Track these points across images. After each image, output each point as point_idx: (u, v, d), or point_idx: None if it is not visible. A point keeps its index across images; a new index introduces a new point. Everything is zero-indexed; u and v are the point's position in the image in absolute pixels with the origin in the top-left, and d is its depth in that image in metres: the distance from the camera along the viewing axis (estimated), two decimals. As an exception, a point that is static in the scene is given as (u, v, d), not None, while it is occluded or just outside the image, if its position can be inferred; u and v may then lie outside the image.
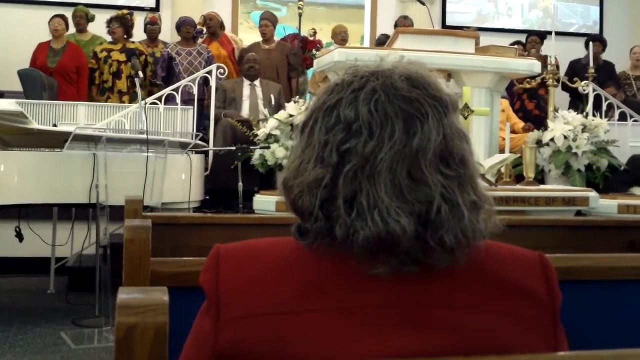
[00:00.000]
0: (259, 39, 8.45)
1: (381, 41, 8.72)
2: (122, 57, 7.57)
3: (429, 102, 1.02)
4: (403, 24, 8.27)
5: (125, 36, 7.79)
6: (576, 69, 8.10)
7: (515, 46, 7.36)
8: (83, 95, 7.67)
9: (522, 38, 9.23)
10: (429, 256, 0.98)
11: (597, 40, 8.64)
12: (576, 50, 8.96)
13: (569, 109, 6.56)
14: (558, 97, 8.05)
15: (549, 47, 6.43)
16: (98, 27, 8.16)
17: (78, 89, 7.70)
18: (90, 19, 8.15)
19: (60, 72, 7.61)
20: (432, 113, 1.01)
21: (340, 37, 8.39)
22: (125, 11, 8.03)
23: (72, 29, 8.09)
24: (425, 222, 0.97)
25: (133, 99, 7.48)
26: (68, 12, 8.05)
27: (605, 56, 8.94)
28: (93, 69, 7.71)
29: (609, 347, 1.00)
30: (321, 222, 1.00)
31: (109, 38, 7.94)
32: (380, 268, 0.98)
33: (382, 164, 0.98)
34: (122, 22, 7.73)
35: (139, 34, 8.21)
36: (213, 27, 8.25)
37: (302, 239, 1.04)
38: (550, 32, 6.58)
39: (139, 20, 8.19)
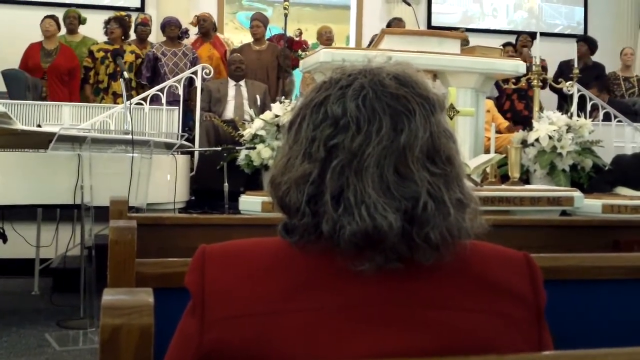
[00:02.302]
0: (245, 39, 8.45)
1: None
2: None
3: (416, 100, 1.02)
4: (398, 25, 8.28)
5: (122, 37, 7.76)
6: (565, 70, 8.13)
7: (503, 47, 7.39)
8: (75, 97, 7.63)
9: (508, 39, 9.26)
10: (414, 253, 0.99)
11: (583, 40, 8.67)
12: (561, 51, 9.00)
13: (558, 109, 6.58)
14: (547, 98, 8.11)
15: (534, 48, 6.46)
16: (88, 28, 8.11)
17: (70, 90, 7.66)
18: (83, 21, 8.12)
19: (54, 72, 7.58)
20: (420, 111, 1.02)
21: (325, 37, 8.39)
22: (123, 13, 8.00)
23: (62, 30, 8.05)
24: (411, 219, 0.98)
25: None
26: (56, 13, 7.99)
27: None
28: (88, 67, 7.67)
29: (594, 347, 1.00)
30: (308, 218, 1.01)
31: (100, 39, 7.90)
32: (366, 264, 0.98)
33: (369, 159, 0.98)
34: (121, 23, 7.71)
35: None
36: (206, 27, 8.23)
37: (289, 237, 1.04)
38: (535, 33, 6.61)
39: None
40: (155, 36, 8.68)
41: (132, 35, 8.08)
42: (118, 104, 7.28)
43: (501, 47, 7.04)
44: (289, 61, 7.71)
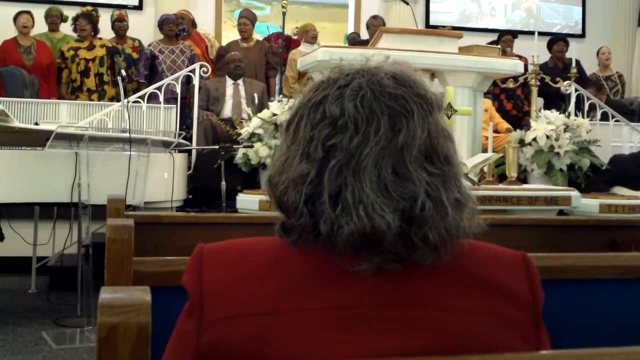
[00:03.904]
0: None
1: (354, 39, 8.74)
2: (90, 55, 7.54)
3: (414, 100, 1.02)
4: (373, 23, 8.29)
5: (92, 33, 7.75)
6: (545, 71, 8.12)
7: (498, 46, 7.38)
8: (53, 92, 7.64)
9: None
10: (412, 253, 0.99)
11: (562, 40, 8.67)
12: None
13: (543, 108, 6.58)
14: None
15: (531, 47, 6.46)
16: (69, 26, 8.10)
17: (49, 87, 7.66)
18: (64, 19, 8.10)
19: (37, 69, 7.56)
20: (418, 110, 1.02)
21: (310, 35, 8.33)
22: (90, 8, 7.97)
23: (43, 28, 8.03)
24: (409, 219, 0.97)
25: (102, 97, 7.49)
26: (33, 9, 7.95)
27: (587, 57, 8.99)
28: (60, 68, 7.67)
29: (591, 346, 1.00)
30: (306, 218, 1.00)
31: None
32: (364, 264, 0.98)
33: (367, 159, 0.98)
34: (90, 19, 7.68)
35: (106, 31, 8.17)
36: (185, 25, 8.22)
37: (287, 236, 1.04)
38: (533, 32, 6.62)
39: (104, 17, 8.15)
40: (153, 34, 8.67)
41: (106, 32, 8.04)
42: (93, 100, 7.28)
43: (499, 47, 7.02)
44: (278, 59, 7.70)
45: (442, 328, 0.98)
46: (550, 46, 8.68)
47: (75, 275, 4.63)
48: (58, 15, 8.06)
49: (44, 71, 7.62)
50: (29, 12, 7.75)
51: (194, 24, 8.49)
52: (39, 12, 8.03)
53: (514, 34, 8.85)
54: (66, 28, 8.14)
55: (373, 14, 9.08)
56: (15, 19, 7.68)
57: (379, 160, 0.98)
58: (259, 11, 8.92)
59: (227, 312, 0.99)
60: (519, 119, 7.83)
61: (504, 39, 8.66)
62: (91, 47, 7.57)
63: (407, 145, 0.99)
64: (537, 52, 6.35)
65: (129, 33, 8.20)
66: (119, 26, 8.05)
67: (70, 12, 8.13)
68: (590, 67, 9.10)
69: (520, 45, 8.74)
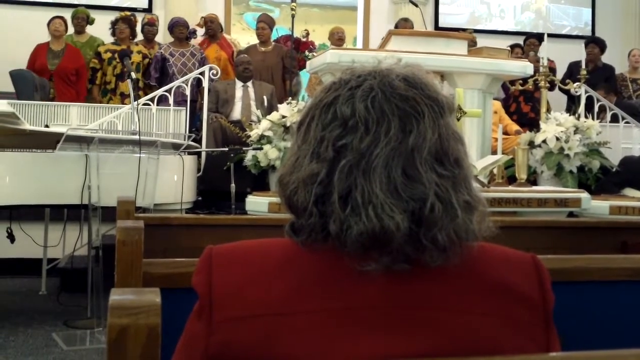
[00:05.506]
0: (252, 40, 8.45)
1: None
2: None
3: (425, 102, 1.02)
4: (405, 26, 8.27)
5: (130, 37, 7.80)
6: (574, 71, 8.10)
7: (511, 49, 7.36)
8: (82, 97, 7.66)
9: (515, 40, 9.25)
10: (421, 254, 0.98)
11: (593, 42, 8.64)
12: (569, 52, 8.97)
13: (566, 110, 6.56)
14: (556, 99, 8.08)
15: (542, 49, 6.44)
16: (94, 29, 8.16)
17: (77, 91, 7.69)
18: (91, 22, 8.14)
19: (60, 74, 7.60)
20: (429, 112, 1.02)
21: (337, 37, 8.39)
22: (128, 12, 8.02)
23: (69, 30, 8.08)
24: (418, 220, 0.97)
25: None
26: (64, 14, 8.03)
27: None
28: (95, 68, 7.70)
29: (602, 348, 1.00)
30: (315, 218, 1.01)
31: (106, 39, 7.92)
32: (372, 265, 0.98)
33: (377, 160, 0.98)
34: (129, 24, 7.75)
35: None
36: (214, 29, 8.26)
37: (296, 236, 1.04)
38: (543, 34, 6.60)
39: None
40: (163, 37, 8.70)
41: (139, 36, 8.10)
42: (126, 104, 7.29)
43: (509, 49, 7.00)
44: (295, 62, 7.71)
45: (451, 329, 0.98)
46: (586, 47, 8.67)
47: (85, 276, 4.64)
48: (84, 17, 8.09)
49: (67, 75, 7.63)
50: (62, 18, 7.80)
51: (221, 29, 8.52)
52: (68, 16, 8.09)
53: (540, 37, 8.82)
54: (91, 30, 8.19)
55: (403, 17, 9.03)
56: (49, 23, 7.76)
57: (389, 161, 0.98)
58: (268, 13, 8.93)
59: (237, 313, 0.99)
60: (537, 122, 7.81)
61: (529, 42, 8.64)
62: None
63: (417, 146, 0.99)
64: (546, 53, 6.33)
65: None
66: (149, 30, 8.08)
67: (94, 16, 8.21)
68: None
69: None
